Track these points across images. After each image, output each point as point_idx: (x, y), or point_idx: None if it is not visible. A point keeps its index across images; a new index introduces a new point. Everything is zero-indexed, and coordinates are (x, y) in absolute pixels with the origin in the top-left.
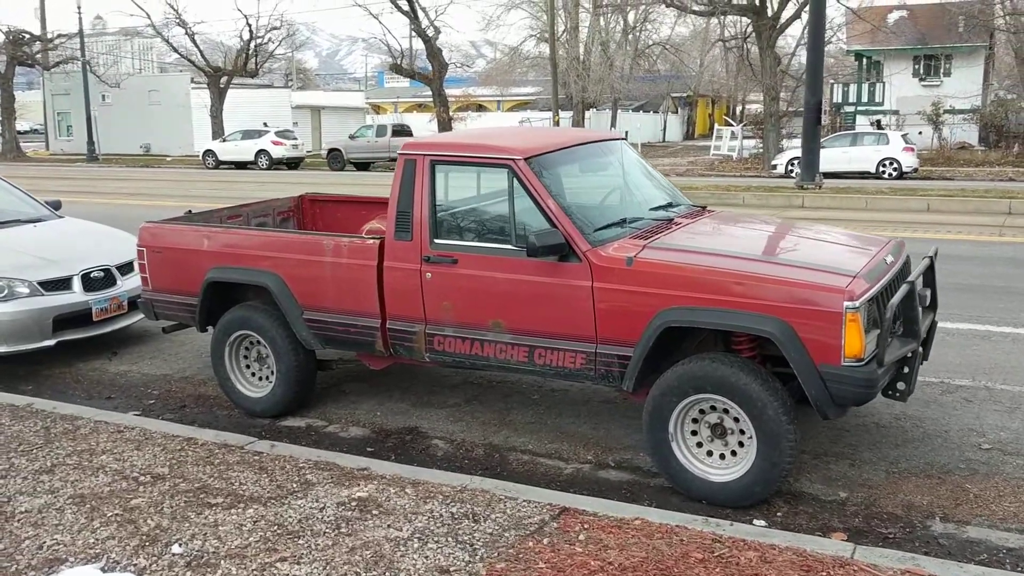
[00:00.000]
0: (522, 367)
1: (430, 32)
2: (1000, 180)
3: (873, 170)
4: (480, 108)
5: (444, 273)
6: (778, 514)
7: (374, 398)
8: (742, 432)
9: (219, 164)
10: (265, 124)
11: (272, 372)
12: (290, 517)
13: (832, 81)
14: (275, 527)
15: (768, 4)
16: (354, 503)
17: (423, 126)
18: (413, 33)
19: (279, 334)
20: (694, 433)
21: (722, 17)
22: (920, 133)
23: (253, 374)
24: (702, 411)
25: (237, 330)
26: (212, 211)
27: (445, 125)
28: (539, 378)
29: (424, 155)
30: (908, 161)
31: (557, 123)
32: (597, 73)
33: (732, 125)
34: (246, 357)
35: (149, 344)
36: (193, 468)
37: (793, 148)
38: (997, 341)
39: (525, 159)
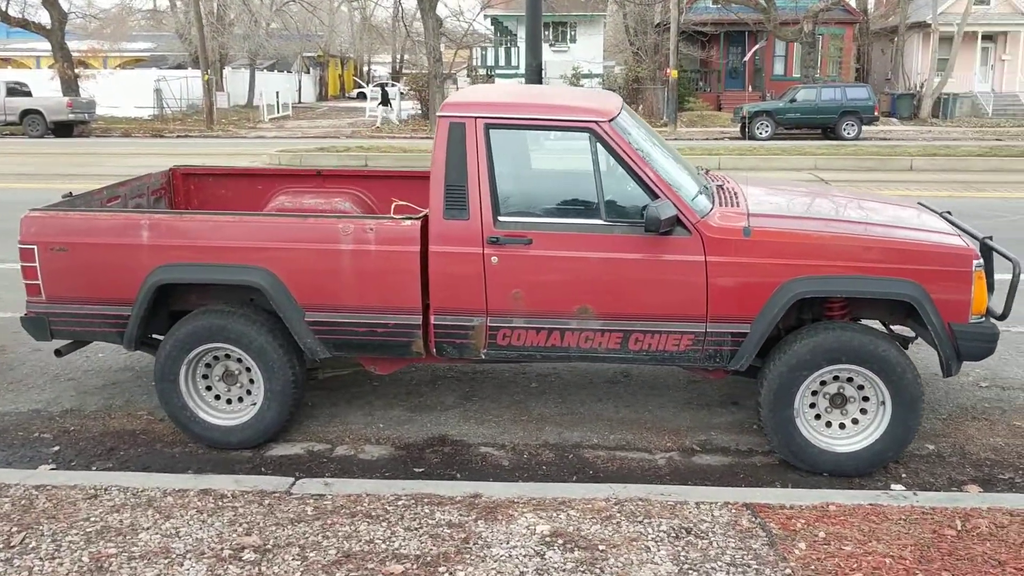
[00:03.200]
0: (611, 355)
1: None
2: None
3: None
4: (83, 65)
5: (515, 256)
6: (902, 475)
7: (359, 409)
8: (864, 399)
9: None
10: None
11: (259, 391)
12: (530, 565)
13: (471, 45)
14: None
15: None
16: (556, 538)
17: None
18: None
19: (270, 344)
20: (812, 406)
21: None
22: None
23: (218, 397)
24: (823, 382)
25: (203, 343)
26: (89, 193)
27: (71, 82)
28: (624, 365)
29: (475, 117)
30: None
31: (208, 82)
32: (240, 29)
33: (362, 87)
34: (205, 377)
35: None
36: (287, 530)
37: None
38: None
39: (609, 120)
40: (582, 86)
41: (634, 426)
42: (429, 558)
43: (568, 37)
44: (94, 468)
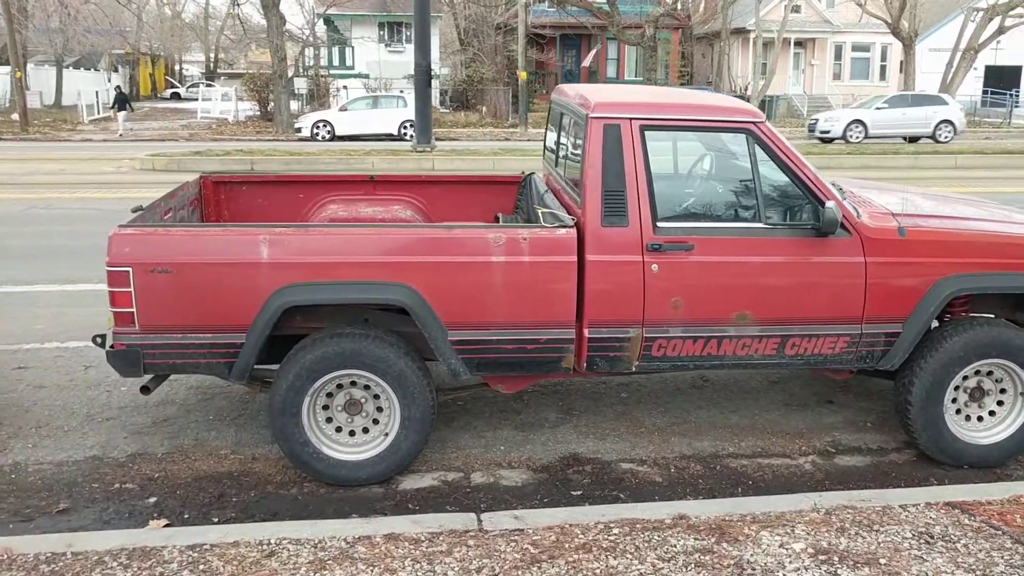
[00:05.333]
0: (765, 361)
1: None
2: (504, 140)
3: (396, 132)
4: None
5: (676, 263)
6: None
7: (463, 431)
8: (1002, 391)
9: None
10: None
11: (393, 420)
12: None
13: (304, 44)
14: None
15: None
16: (824, 555)
17: None
18: None
19: (410, 368)
20: (953, 400)
21: None
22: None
23: (339, 429)
24: (964, 377)
25: (333, 371)
26: (152, 205)
27: None
28: (775, 371)
29: (630, 118)
30: None
31: (20, 79)
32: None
33: (178, 87)
34: (326, 408)
35: None
36: (533, 572)
37: (320, 111)
38: None
39: (765, 121)
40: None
41: (755, 432)
42: None
43: (405, 38)
44: (216, 520)
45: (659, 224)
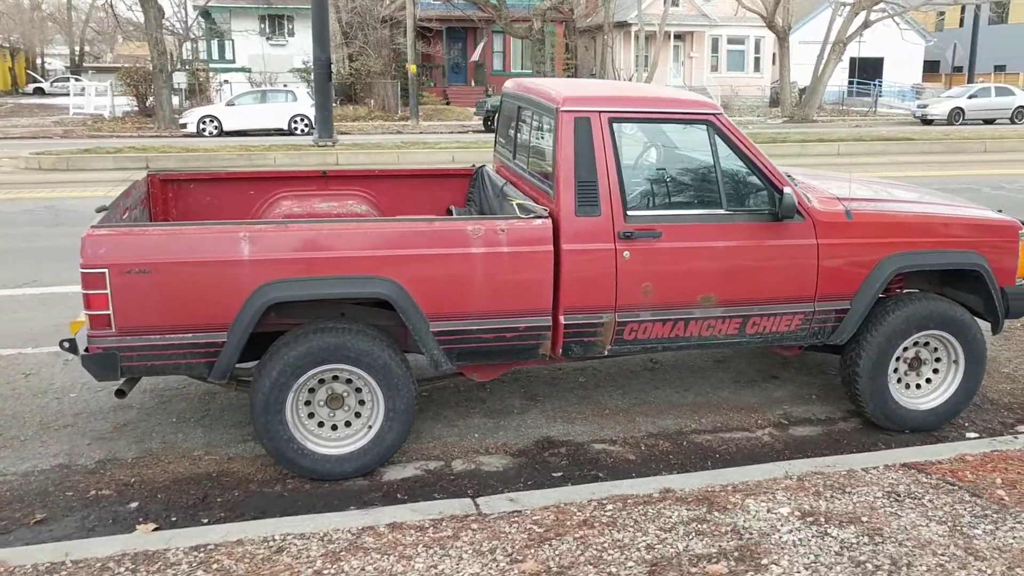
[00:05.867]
0: (728, 340)
1: None
2: (397, 133)
3: (286, 127)
4: None
5: (646, 250)
6: (964, 424)
7: (435, 421)
8: (936, 360)
9: None
10: None
11: (377, 412)
12: (826, 544)
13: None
14: None
15: None
16: (811, 516)
17: None
18: None
19: (394, 360)
20: (895, 371)
21: None
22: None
23: (321, 424)
24: (904, 348)
25: (317, 366)
26: (113, 204)
27: None
28: (734, 350)
29: (599, 111)
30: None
31: None
32: None
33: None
34: (307, 403)
35: None
36: (546, 551)
37: (206, 106)
38: None
39: (723, 113)
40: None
41: (711, 408)
42: (735, 553)
43: (287, 30)
44: (205, 521)
45: (629, 212)
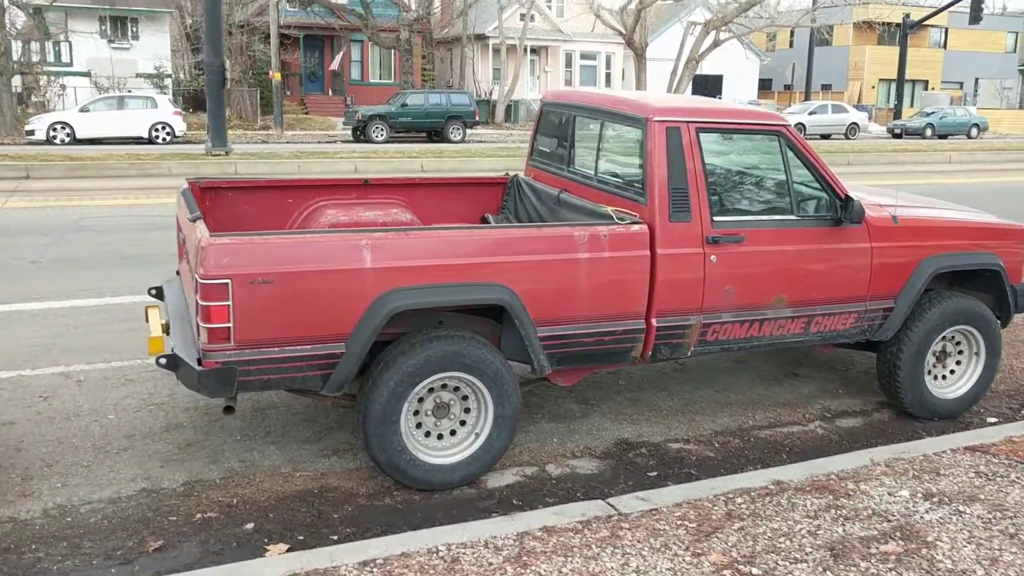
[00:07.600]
0: (793, 339)
1: None
2: (262, 142)
3: (146, 135)
4: None
5: (730, 254)
6: (982, 410)
7: None
8: (960, 352)
9: None
10: None
11: (485, 420)
12: (961, 520)
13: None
14: None
15: None
16: (926, 498)
17: None
18: None
19: (504, 366)
20: (928, 364)
21: None
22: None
23: (427, 434)
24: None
25: (434, 374)
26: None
27: None
28: (798, 347)
29: (687, 121)
30: (179, 125)
31: None
32: None
33: None
34: (416, 413)
35: None
36: (718, 543)
37: (56, 112)
38: None
39: (791, 124)
40: (165, 87)
41: (758, 406)
42: (896, 534)
43: (130, 33)
44: (335, 538)
45: (716, 219)
